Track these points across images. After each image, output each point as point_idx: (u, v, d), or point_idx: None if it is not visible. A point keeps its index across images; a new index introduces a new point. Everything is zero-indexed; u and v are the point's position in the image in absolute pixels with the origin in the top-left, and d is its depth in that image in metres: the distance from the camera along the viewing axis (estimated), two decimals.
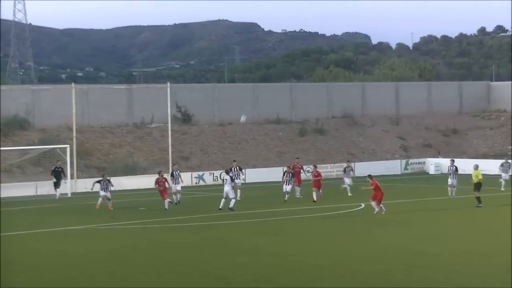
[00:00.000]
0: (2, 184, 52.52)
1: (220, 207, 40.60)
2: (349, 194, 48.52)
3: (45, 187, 52.90)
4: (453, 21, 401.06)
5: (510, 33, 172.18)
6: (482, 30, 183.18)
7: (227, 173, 42.08)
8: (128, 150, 65.27)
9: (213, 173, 61.29)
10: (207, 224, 35.93)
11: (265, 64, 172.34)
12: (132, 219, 38.16)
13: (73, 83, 60.67)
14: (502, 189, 48.62)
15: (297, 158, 54.62)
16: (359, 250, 27.20)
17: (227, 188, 40.89)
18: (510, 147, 74.60)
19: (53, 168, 51.90)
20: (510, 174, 50.65)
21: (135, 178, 57.23)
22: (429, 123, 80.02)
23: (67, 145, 55.12)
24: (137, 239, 31.48)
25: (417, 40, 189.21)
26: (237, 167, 47.14)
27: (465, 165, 53.68)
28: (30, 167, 58.56)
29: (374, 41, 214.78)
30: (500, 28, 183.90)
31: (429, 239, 29.81)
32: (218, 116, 72.93)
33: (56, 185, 51.26)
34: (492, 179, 48.52)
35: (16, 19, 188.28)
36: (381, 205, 37.40)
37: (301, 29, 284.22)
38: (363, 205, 40.76)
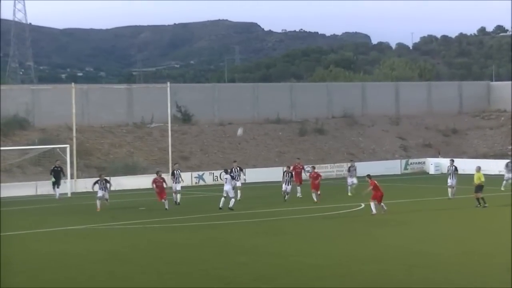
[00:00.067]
0: (2, 184, 52.52)
1: (220, 206, 40.61)
2: (349, 194, 48.53)
3: (45, 187, 52.90)
4: (453, 21, 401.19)
5: (510, 33, 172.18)
6: (482, 30, 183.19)
7: (227, 172, 42.07)
8: (128, 150, 65.27)
9: (213, 173, 61.29)
10: (207, 224, 35.94)
11: (265, 64, 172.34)
12: (132, 219, 38.16)
13: (73, 83, 60.72)
14: (502, 188, 48.63)
15: (298, 158, 54.61)
16: (359, 250, 27.20)
17: (227, 187, 40.89)
18: (510, 147, 74.58)
19: (52, 168, 51.91)
20: None
21: (135, 178, 57.23)
22: (429, 123, 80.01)
23: (67, 145, 55.13)
24: (137, 239, 31.49)
25: (417, 40, 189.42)
26: (238, 168, 47.13)
27: (465, 165, 53.73)
28: (30, 167, 58.57)
29: (374, 41, 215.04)
30: (500, 28, 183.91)
31: (429, 239, 29.82)
32: (218, 116, 72.93)
33: (56, 184, 51.26)
34: (492, 179, 48.47)
35: (16, 19, 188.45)
36: (382, 204, 37.35)
37: (301, 29, 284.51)
38: (363, 205, 40.75)
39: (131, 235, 33.03)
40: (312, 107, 76.25)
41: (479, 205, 40.04)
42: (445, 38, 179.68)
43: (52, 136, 62.36)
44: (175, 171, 45.12)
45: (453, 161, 46.66)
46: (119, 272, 24.14)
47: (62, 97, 60.76)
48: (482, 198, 40.02)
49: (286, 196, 45.23)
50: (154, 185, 42.27)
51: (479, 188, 40.27)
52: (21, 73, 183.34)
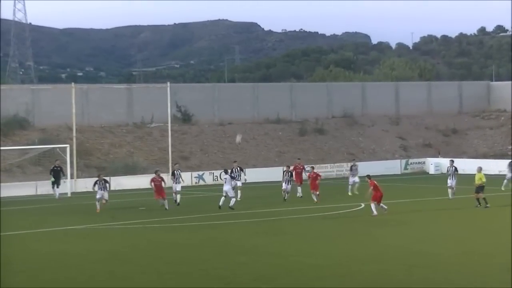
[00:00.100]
0: (2, 184, 52.53)
1: (220, 205, 40.56)
2: (349, 193, 48.54)
3: (45, 187, 52.90)
4: (453, 21, 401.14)
5: (510, 33, 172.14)
6: (482, 30, 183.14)
7: (226, 172, 42.04)
8: (128, 149, 65.27)
9: (213, 173, 61.31)
10: (207, 224, 35.94)
11: (265, 64, 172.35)
12: (132, 219, 38.16)
13: (73, 83, 60.75)
14: (502, 188, 48.63)
15: (299, 158, 54.59)
16: (359, 250, 27.20)
17: (226, 187, 40.86)
18: (510, 147, 74.59)
19: (51, 168, 51.90)
20: None
21: (135, 178, 57.22)
22: (429, 123, 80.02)
23: (67, 145, 55.15)
24: (137, 239, 31.49)
25: (417, 40, 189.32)
26: (238, 168, 47.10)
27: (465, 165, 53.72)
28: (30, 166, 58.57)
29: (374, 41, 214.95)
30: (500, 28, 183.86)
31: (429, 239, 29.82)
32: (218, 116, 72.93)
33: (55, 184, 51.25)
34: (492, 179, 48.45)
35: (16, 19, 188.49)
36: (381, 204, 37.28)
37: (301, 29, 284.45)
38: (363, 205, 40.76)
39: (131, 235, 33.02)
40: (312, 107, 76.25)
41: (479, 205, 40.02)
42: (445, 38, 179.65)
43: (52, 136, 62.36)
44: (175, 171, 45.08)
45: (453, 161, 46.53)
46: (119, 272, 24.14)
47: (62, 97, 60.77)
48: (484, 199, 39.98)
49: (286, 196, 45.23)
50: (153, 184, 42.30)
51: (480, 188, 40.22)
52: (21, 73, 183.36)
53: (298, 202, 44.44)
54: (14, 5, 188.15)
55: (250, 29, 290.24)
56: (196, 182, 60.11)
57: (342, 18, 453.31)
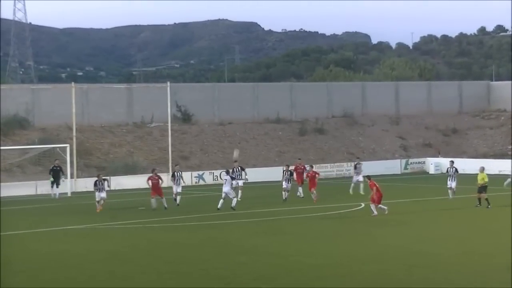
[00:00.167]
0: (2, 184, 52.52)
1: (218, 207, 40.52)
2: (351, 192, 48.52)
3: (45, 187, 52.91)
4: (453, 21, 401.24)
5: (510, 32, 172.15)
6: (482, 30, 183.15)
7: (228, 173, 41.99)
8: (128, 149, 65.27)
9: (213, 173, 61.33)
10: (207, 223, 35.93)
11: (265, 63, 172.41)
12: (132, 218, 38.17)
13: (73, 83, 60.74)
14: (504, 184, 48.54)
15: (299, 158, 54.61)
16: (359, 250, 27.19)
17: (226, 188, 40.77)
18: (510, 147, 74.61)
19: (51, 167, 51.87)
20: None
21: (135, 178, 57.17)
22: (429, 123, 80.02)
23: (67, 145, 55.15)
24: (137, 239, 31.49)
25: (417, 39, 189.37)
26: (239, 167, 47.04)
27: (465, 165, 53.75)
28: (30, 166, 58.57)
29: (374, 40, 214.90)
30: (500, 28, 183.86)
31: (429, 239, 29.81)
32: (218, 116, 72.93)
33: (55, 184, 51.22)
34: (492, 179, 48.37)
35: (16, 19, 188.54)
36: (380, 205, 37.17)
37: (301, 29, 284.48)
38: (363, 205, 40.76)
39: (131, 235, 33.02)
40: (312, 107, 76.25)
41: (479, 205, 39.99)
42: (445, 38, 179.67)
43: (52, 135, 62.36)
44: (175, 173, 44.94)
45: (453, 162, 46.26)
46: (119, 272, 24.14)
47: (62, 97, 60.76)
48: (486, 199, 39.94)
49: (286, 195, 45.08)
50: (150, 182, 42.31)
51: (483, 188, 40.15)
52: (21, 72, 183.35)
53: (298, 202, 44.42)
54: (14, 5, 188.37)
55: (250, 29, 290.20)
56: (196, 182, 60.11)
57: (342, 18, 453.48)
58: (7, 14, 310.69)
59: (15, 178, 56.38)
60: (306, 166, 48.87)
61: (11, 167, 57.63)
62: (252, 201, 45.23)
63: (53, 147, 56.14)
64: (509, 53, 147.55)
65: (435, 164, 67.53)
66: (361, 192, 47.68)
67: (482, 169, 41.02)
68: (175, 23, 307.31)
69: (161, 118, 64.74)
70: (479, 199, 40.12)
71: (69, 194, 52.55)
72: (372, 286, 21.53)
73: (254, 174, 59.05)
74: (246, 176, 48.52)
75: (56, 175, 51.45)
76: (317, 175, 45.55)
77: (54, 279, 23.27)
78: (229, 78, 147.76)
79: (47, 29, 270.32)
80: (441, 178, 53.48)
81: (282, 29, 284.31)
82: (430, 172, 67.58)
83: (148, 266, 24.73)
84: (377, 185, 37.30)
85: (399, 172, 67.64)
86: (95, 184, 42.14)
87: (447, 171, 46.01)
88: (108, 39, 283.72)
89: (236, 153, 47.46)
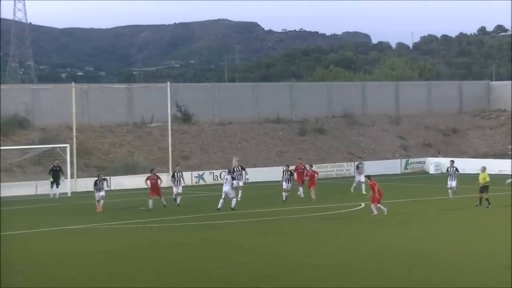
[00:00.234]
0: (2, 184, 52.51)
1: (219, 207, 40.50)
2: (352, 190, 48.48)
3: (45, 187, 52.88)
4: (453, 21, 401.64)
5: (510, 32, 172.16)
6: (482, 30, 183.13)
7: (229, 172, 41.94)
8: (128, 149, 65.26)
9: (213, 173, 61.31)
10: (207, 223, 35.93)
11: (265, 63, 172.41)
12: (132, 218, 38.16)
13: (73, 83, 60.74)
14: (506, 182, 48.45)
15: (300, 158, 54.58)
16: (359, 250, 27.19)
17: (226, 188, 40.74)
18: (510, 147, 74.60)
19: (51, 167, 51.83)
20: None
21: (135, 178, 57.10)
22: (429, 123, 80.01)
23: (67, 145, 55.13)
24: (137, 239, 31.49)
25: (417, 39, 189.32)
26: (240, 167, 47.00)
27: (465, 165, 53.71)
28: (30, 166, 58.55)
29: (374, 40, 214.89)
30: (500, 28, 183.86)
31: (429, 239, 29.81)
32: (218, 116, 72.91)
33: (55, 184, 51.19)
34: (492, 179, 48.32)
35: (16, 19, 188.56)
36: (380, 205, 37.12)
37: (301, 29, 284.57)
38: (363, 205, 40.76)
39: (131, 235, 33.02)
40: (312, 107, 76.24)
41: (479, 205, 39.97)
42: (445, 37, 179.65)
43: (52, 135, 62.34)
44: (175, 173, 44.84)
45: (453, 162, 46.32)
46: (119, 271, 24.14)
47: (62, 97, 60.76)
48: (487, 199, 39.93)
49: (286, 195, 44.95)
50: (148, 182, 42.30)
51: (484, 188, 40.11)
52: (21, 72, 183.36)
53: (298, 202, 44.39)
54: (14, 5, 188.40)
55: (250, 28, 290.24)
56: (196, 182, 60.09)
57: (342, 18, 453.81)
58: (7, 14, 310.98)
59: (15, 178, 56.37)
60: (306, 166, 48.84)
61: (11, 167, 57.61)
62: (252, 201, 45.22)
63: (53, 147, 56.12)
64: (509, 53, 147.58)
65: (435, 164, 67.53)
66: (363, 192, 47.61)
67: (484, 169, 41.00)
68: (175, 23, 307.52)
69: (161, 118, 64.73)
70: (480, 199, 40.10)
71: (69, 194, 52.54)
72: (372, 286, 21.53)
73: (254, 174, 59.08)
74: (247, 176, 48.49)
75: (56, 175, 51.42)
76: (316, 175, 45.67)
77: (54, 279, 23.27)
78: (229, 78, 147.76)
79: (47, 29, 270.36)
80: (441, 178, 53.48)
81: (282, 29, 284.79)
82: (430, 172, 67.57)
83: (148, 266, 24.73)
84: (377, 185, 37.29)
85: (399, 172, 67.64)
86: (95, 184, 42.13)
87: (448, 171, 45.98)
88: (108, 39, 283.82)
89: (235, 161, 47.36)
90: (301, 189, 47.20)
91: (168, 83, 61.09)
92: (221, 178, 52.87)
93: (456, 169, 44.97)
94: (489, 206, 39.53)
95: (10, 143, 59.77)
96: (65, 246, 29.71)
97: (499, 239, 28.95)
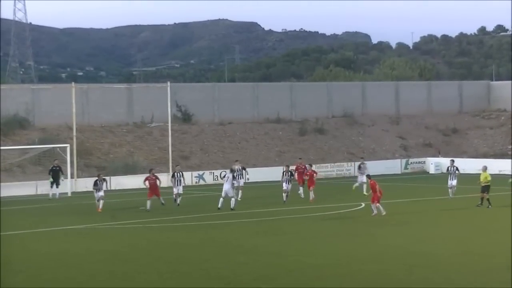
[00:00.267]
0: (2, 183, 52.51)
1: (219, 207, 40.47)
2: (353, 188, 48.40)
3: (45, 186, 52.82)
4: (453, 21, 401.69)
5: (510, 32, 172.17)
6: (482, 30, 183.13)
7: (232, 171, 41.93)
8: (128, 149, 65.26)
9: (213, 173, 61.30)
10: (207, 223, 35.93)
11: (265, 63, 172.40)
12: (132, 218, 38.16)
13: (73, 83, 60.74)
14: (510, 181, 48.44)
15: (300, 158, 54.55)
16: (359, 250, 27.19)
17: (226, 186, 40.71)
18: (510, 147, 74.61)
19: (50, 168, 51.80)
20: None
21: (135, 178, 57.08)
22: (429, 123, 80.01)
23: (67, 144, 55.13)
24: (137, 239, 31.48)
25: (417, 39, 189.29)
26: (241, 167, 46.95)
27: (465, 165, 53.65)
28: (30, 166, 58.56)
29: (374, 40, 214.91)
30: (500, 28, 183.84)
31: (429, 239, 29.81)
32: (218, 116, 72.91)
33: (55, 184, 51.17)
34: (492, 179, 48.31)
35: (16, 19, 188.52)
36: (378, 205, 37.04)
37: (301, 29, 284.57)
38: (363, 205, 40.75)
39: (131, 234, 33.02)
40: (312, 107, 76.24)
41: (480, 204, 39.93)
42: (445, 37, 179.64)
43: (52, 135, 62.34)
44: (175, 173, 44.78)
45: (453, 161, 46.41)
46: (119, 271, 24.14)
47: (62, 97, 60.76)
48: (488, 199, 39.92)
49: (285, 197, 44.79)
50: (147, 183, 42.26)
51: (486, 188, 40.08)
52: (21, 72, 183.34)
53: (298, 202, 44.37)
54: (14, 5, 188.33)
55: (250, 28, 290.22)
56: (196, 182, 60.08)
57: (342, 18, 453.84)
58: (7, 14, 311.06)
59: (15, 178, 56.37)
60: (306, 165, 48.81)
61: (11, 167, 57.62)
62: (252, 201, 45.22)
63: (53, 147, 56.12)
64: (509, 53, 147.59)
65: (435, 164, 67.54)
66: (364, 192, 47.51)
67: (485, 168, 41.00)
68: (175, 23, 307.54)
69: (161, 118, 64.74)
70: (482, 199, 40.07)
71: (69, 194, 52.54)
72: (372, 286, 21.53)
73: (254, 174, 59.09)
74: (248, 176, 48.43)
75: (56, 175, 51.39)
76: (315, 174, 45.67)
77: (54, 279, 23.27)
78: (229, 78, 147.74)
79: (47, 29, 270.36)
80: (441, 178, 53.50)
81: (282, 29, 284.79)
82: (430, 172, 67.57)
83: (148, 266, 24.73)
84: (378, 185, 37.28)
85: (399, 172, 67.64)
86: (95, 184, 42.08)
87: (448, 170, 45.97)
88: (108, 39, 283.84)
89: (236, 167, 47.13)
90: (301, 189, 47.15)
91: (168, 83, 61.08)
92: (221, 178, 52.83)
93: (457, 168, 45.00)
94: (489, 206, 39.53)
95: (10, 143, 59.77)
96: (65, 246, 29.71)
97: (499, 239, 28.95)
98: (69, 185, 53.36)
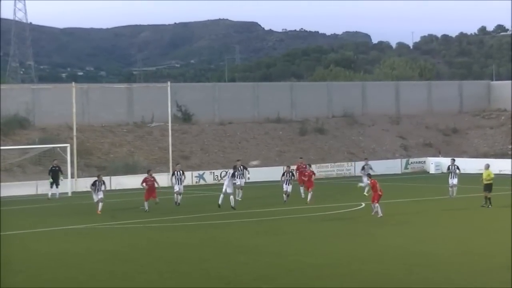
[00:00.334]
0: (2, 183, 52.50)
1: (219, 204, 40.30)
2: (358, 186, 48.29)
3: (45, 186, 52.76)
4: (453, 21, 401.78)
5: (511, 32, 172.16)
6: (483, 30, 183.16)
7: (234, 168, 41.92)
8: (128, 149, 65.26)
9: (213, 172, 61.29)
10: (207, 223, 35.92)
11: (265, 63, 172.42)
12: (132, 218, 38.16)
13: (73, 82, 60.72)
14: None
15: (301, 158, 54.49)
16: (359, 250, 27.19)
17: (226, 182, 40.65)
18: (510, 147, 74.60)
19: (50, 168, 51.77)
20: None
21: (135, 178, 56.91)
22: (430, 122, 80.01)
23: (67, 144, 55.10)
24: (137, 239, 31.48)
25: (417, 39, 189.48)
26: (241, 167, 46.92)
27: (466, 165, 53.63)
28: (31, 166, 58.55)
29: (375, 40, 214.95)
30: (500, 28, 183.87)
31: (429, 239, 29.81)
32: (219, 115, 72.92)
33: (54, 184, 51.15)
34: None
35: (16, 18, 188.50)
36: (377, 205, 36.94)
37: (302, 28, 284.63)
38: (363, 205, 40.75)
39: (131, 234, 33.02)
40: (312, 107, 76.24)
41: (485, 205, 39.77)
42: (445, 37, 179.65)
43: (53, 135, 62.34)
44: (176, 172, 44.74)
45: (454, 160, 46.46)
46: (119, 271, 24.14)
47: (63, 97, 60.76)
48: (489, 199, 39.88)
49: (285, 197, 44.69)
50: (145, 184, 42.14)
51: (488, 187, 40.01)
52: (21, 72, 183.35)
53: (298, 202, 44.34)
54: (15, 5, 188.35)
55: (250, 28, 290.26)
56: (196, 182, 60.07)
57: (343, 17, 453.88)
58: (7, 14, 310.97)
59: (15, 178, 56.37)
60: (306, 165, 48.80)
61: (11, 167, 57.62)
62: (252, 201, 45.22)
63: (53, 147, 56.10)
64: (509, 52, 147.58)
65: (435, 163, 67.55)
66: (365, 193, 47.44)
67: (487, 166, 40.97)
68: (175, 23, 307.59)
69: (161, 118, 64.74)
70: (486, 198, 39.91)
71: (69, 194, 52.53)
72: (372, 286, 21.53)
73: (254, 174, 59.10)
74: (248, 175, 48.40)
75: (55, 175, 51.35)
76: (313, 175, 45.62)
77: (54, 279, 23.27)
78: (230, 77, 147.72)
79: (48, 29, 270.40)
80: (442, 177, 53.50)
81: (283, 29, 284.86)
82: (430, 172, 67.58)
83: (148, 266, 24.73)
84: (378, 185, 37.28)
85: (400, 172, 67.63)
86: (93, 184, 41.77)
87: (449, 169, 45.94)
88: (108, 39, 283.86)
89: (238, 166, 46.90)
90: (302, 188, 47.12)
91: (168, 83, 61.06)
92: (221, 178, 52.79)
93: (457, 167, 45.01)
94: (490, 206, 39.51)
95: (10, 143, 59.77)
96: (65, 246, 29.71)
97: (499, 239, 28.95)
98: (69, 185, 53.35)
